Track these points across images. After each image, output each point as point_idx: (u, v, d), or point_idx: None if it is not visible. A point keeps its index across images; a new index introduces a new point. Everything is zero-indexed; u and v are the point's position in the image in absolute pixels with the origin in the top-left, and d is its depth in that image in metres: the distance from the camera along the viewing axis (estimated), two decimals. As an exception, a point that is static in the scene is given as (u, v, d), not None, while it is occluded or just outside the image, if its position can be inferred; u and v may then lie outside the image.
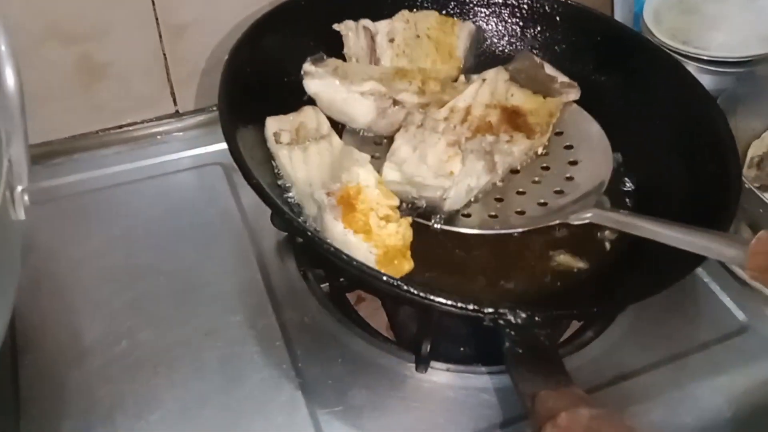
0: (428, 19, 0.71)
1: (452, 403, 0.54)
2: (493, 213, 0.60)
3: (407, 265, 0.53)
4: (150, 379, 0.54)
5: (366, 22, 0.69)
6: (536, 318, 0.43)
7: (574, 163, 0.65)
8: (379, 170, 0.59)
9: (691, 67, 0.70)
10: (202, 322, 0.58)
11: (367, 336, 0.58)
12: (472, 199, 0.61)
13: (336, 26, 0.68)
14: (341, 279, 0.63)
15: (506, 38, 0.74)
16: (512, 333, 0.43)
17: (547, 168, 0.64)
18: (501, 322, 0.44)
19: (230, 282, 0.61)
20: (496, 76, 0.68)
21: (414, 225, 0.56)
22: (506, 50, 0.74)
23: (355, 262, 0.46)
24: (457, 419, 0.53)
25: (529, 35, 0.73)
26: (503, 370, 0.55)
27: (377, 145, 0.65)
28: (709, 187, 0.58)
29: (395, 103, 0.64)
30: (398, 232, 0.53)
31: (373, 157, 0.62)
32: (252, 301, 0.60)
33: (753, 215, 0.62)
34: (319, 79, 0.64)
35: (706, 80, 0.67)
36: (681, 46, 0.78)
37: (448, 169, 0.58)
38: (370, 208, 0.53)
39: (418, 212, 0.58)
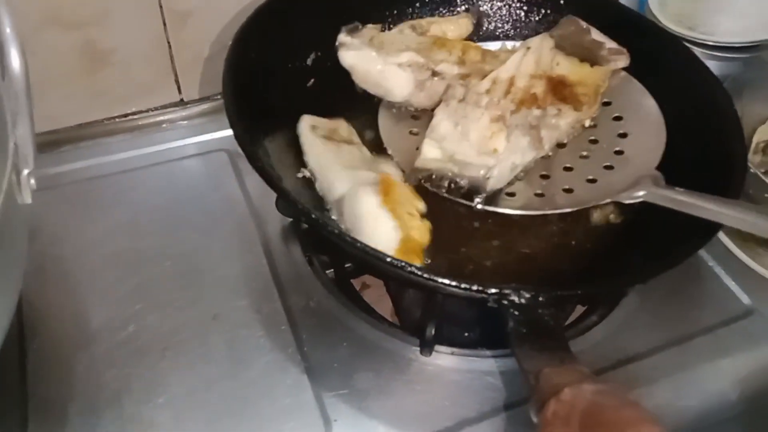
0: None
1: (457, 386, 0.55)
2: (539, 191, 0.57)
3: (417, 262, 0.53)
4: (156, 363, 0.55)
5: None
6: (540, 298, 0.43)
7: (623, 135, 0.61)
8: (418, 146, 0.58)
9: (697, 53, 0.70)
10: (208, 307, 0.58)
11: (371, 320, 0.58)
12: (517, 177, 0.58)
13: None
14: (347, 265, 0.63)
15: (510, 23, 0.74)
16: (516, 313, 0.43)
17: (595, 141, 0.61)
18: (505, 302, 0.44)
19: (235, 267, 0.62)
20: (540, 43, 0.64)
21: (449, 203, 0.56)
22: (510, 35, 0.73)
23: (359, 244, 0.46)
24: (462, 402, 0.53)
25: (533, 19, 0.73)
26: (508, 354, 0.55)
27: (416, 120, 0.63)
28: (715, 169, 0.57)
29: (434, 74, 0.61)
30: (419, 228, 0.54)
31: (410, 132, 0.62)
32: (257, 285, 0.60)
33: (758, 200, 0.62)
34: (354, 51, 0.62)
35: (712, 66, 0.67)
36: (686, 31, 0.77)
37: (492, 146, 0.55)
38: (399, 201, 0.54)
39: (460, 192, 0.56)
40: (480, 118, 0.57)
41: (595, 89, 0.61)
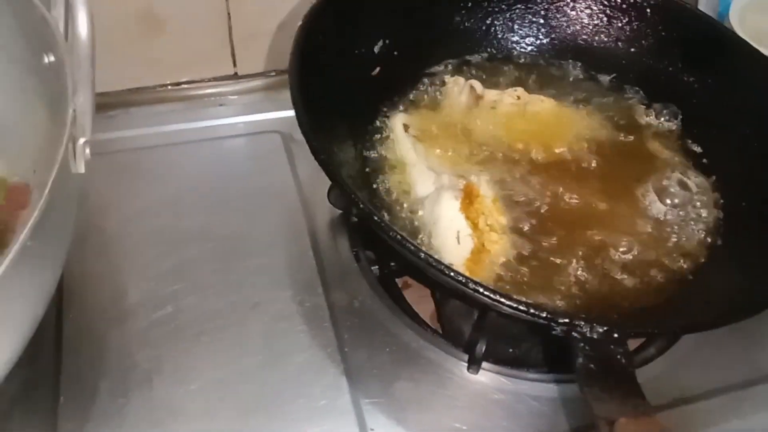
0: (542, 104, 0.65)
1: (500, 407, 0.52)
2: None
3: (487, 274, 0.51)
4: (191, 348, 0.53)
5: (474, 83, 0.65)
6: (615, 334, 0.40)
7: None
8: None
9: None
10: (249, 294, 0.56)
11: (416, 327, 0.56)
12: None
13: (447, 80, 0.66)
14: (392, 264, 0.60)
15: (591, 27, 0.70)
16: (586, 347, 0.40)
17: None
18: (575, 334, 0.41)
19: (280, 255, 0.59)
20: None
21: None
22: (589, 40, 0.70)
23: (422, 254, 0.43)
24: (504, 425, 0.51)
25: (615, 26, 0.69)
26: (558, 379, 0.53)
27: None
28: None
29: None
30: (497, 242, 0.52)
31: None
32: (301, 277, 0.58)
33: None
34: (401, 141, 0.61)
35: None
36: (766, 49, 0.73)
37: None
38: (482, 212, 0.53)
39: None
40: None
41: None
